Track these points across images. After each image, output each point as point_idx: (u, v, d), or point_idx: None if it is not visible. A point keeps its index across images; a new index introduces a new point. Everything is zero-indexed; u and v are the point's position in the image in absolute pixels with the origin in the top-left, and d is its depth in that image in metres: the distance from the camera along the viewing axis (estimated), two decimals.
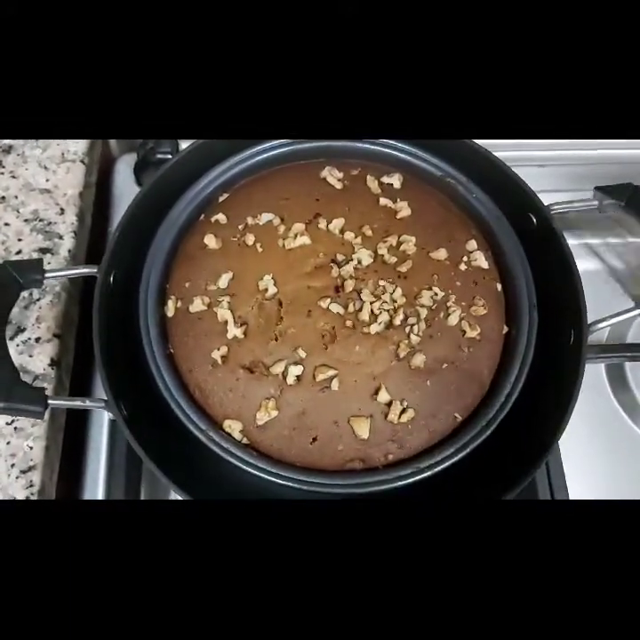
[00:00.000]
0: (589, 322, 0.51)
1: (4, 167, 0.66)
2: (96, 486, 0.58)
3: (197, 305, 0.51)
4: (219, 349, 0.49)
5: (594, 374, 0.70)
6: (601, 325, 0.52)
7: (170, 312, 0.52)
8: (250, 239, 0.53)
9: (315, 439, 0.48)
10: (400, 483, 0.47)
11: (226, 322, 0.50)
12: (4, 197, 0.64)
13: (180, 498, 0.57)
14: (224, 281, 0.51)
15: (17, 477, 0.52)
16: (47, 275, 0.52)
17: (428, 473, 0.47)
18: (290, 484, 0.47)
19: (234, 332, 0.49)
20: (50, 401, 0.46)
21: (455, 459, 0.48)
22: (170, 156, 0.60)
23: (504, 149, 0.67)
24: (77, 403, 0.49)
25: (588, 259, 0.72)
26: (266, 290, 0.50)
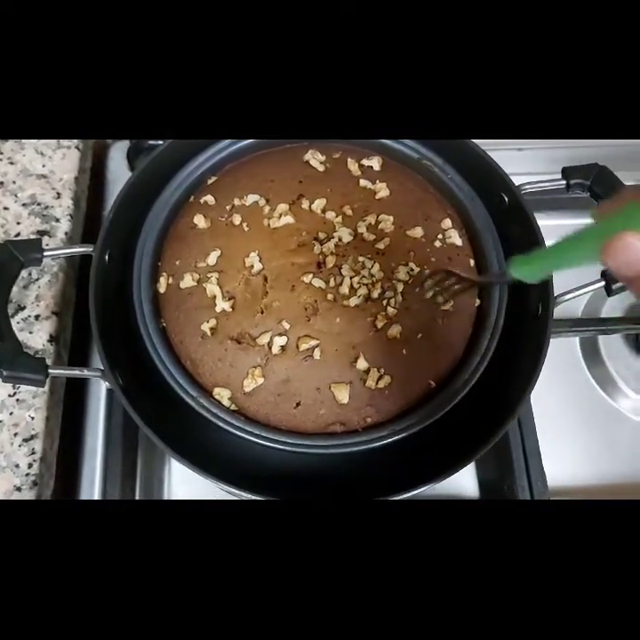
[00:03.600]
0: (556, 294, 0.54)
1: (2, 153, 0.68)
2: (94, 454, 0.61)
3: (188, 281, 0.54)
4: (208, 322, 0.52)
5: (568, 349, 0.73)
6: (567, 297, 0.55)
7: (162, 288, 0.55)
8: (237, 219, 0.56)
9: (298, 404, 0.51)
10: (377, 444, 0.50)
11: (214, 297, 0.53)
12: (2, 183, 0.67)
13: (173, 463, 0.61)
14: (213, 258, 0.54)
15: (20, 446, 0.55)
16: (46, 253, 0.54)
17: (404, 434, 0.50)
18: (275, 445, 0.50)
19: (222, 305, 0.52)
20: (50, 370, 0.49)
21: (429, 421, 0.51)
22: (160, 143, 0.62)
23: None
24: (76, 372, 0.52)
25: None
26: (252, 266, 0.53)
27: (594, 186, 0.57)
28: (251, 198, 0.57)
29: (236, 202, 0.57)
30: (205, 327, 0.52)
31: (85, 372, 0.51)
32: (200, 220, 0.56)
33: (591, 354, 0.72)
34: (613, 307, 0.72)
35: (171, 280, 0.55)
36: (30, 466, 0.55)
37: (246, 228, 0.55)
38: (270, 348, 0.51)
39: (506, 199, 0.59)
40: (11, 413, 0.56)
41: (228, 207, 0.57)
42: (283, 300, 0.52)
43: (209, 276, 0.53)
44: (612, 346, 0.71)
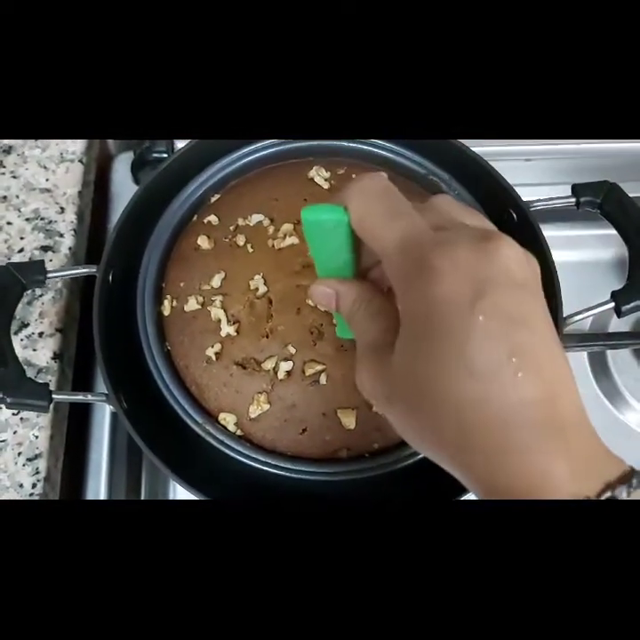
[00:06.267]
0: (566, 314, 0.54)
1: (4, 167, 0.68)
2: (99, 473, 0.61)
3: (192, 304, 0.53)
4: (213, 346, 0.51)
5: (577, 363, 0.72)
6: (576, 318, 0.54)
7: (166, 311, 0.54)
8: (241, 240, 0.55)
9: (304, 430, 0.50)
10: (384, 470, 0.50)
11: (219, 320, 0.52)
12: (5, 197, 0.66)
13: (178, 485, 0.60)
14: (217, 281, 0.53)
15: (24, 465, 0.55)
16: (49, 275, 0.54)
17: (411, 461, 0.50)
18: (281, 472, 0.50)
19: (227, 329, 0.52)
20: (54, 396, 0.49)
21: None
22: (165, 156, 0.62)
23: (491, 144, 0.69)
24: (80, 397, 0.52)
25: (570, 251, 0.74)
26: (257, 289, 0.52)
27: (604, 204, 0.56)
28: (255, 218, 0.56)
29: (240, 222, 0.56)
30: (210, 352, 0.51)
31: (89, 398, 0.51)
32: (204, 241, 0.55)
33: (599, 367, 0.71)
34: (621, 321, 0.71)
35: (175, 303, 0.54)
36: (34, 486, 0.54)
37: (250, 250, 0.54)
38: (276, 372, 0.50)
39: (514, 215, 0.58)
40: (14, 432, 0.56)
41: (231, 227, 0.56)
42: (288, 323, 0.51)
43: (213, 299, 0.53)
44: (620, 359, 0.71)
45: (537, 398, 0.27)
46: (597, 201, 0.57)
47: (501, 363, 0.27)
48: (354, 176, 0.59)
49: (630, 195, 0.58)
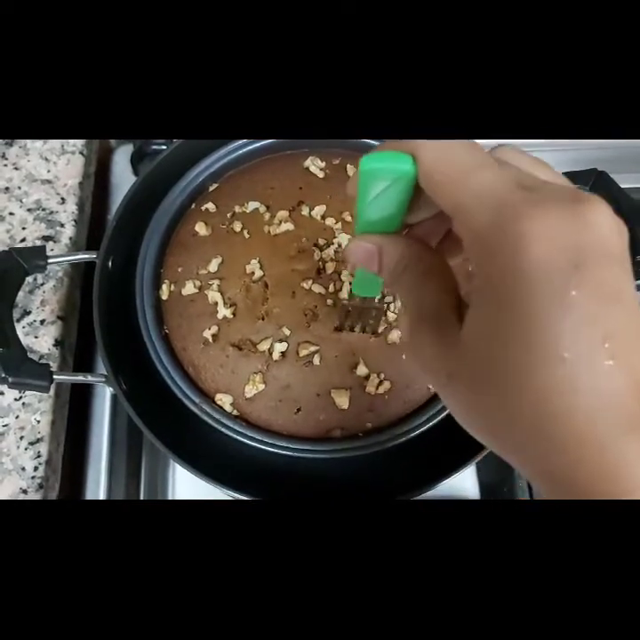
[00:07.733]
0: None
1: (6, 159, 0.69)
2: (100, 457, 0.62)
3: (189, 288, 0.54)
4: (210, 329, 0.53)
5: None
6: None
7: (164, 295, 0.56)
8: (237, 226, 0.56)
9: (299, 410, 0.51)
10: (377, 449, 0.51)
11: (216, 303, 0.53)
12: (7, 188, 0.67)
13: (177, 465, 0.61)
14: (214, 265, 0.55)
15: (26, 449, 0.56)
16: (50, 260, 0.55)
17: (404, 439, 0.51)
18: (276, 451, 0.50)
19: (223, 312, 0.53)
20: (55, 376, 0.50)
21: (428, 426, 0.51)
22: (164, 147, 0.63)
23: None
24: (80, 377, 0.53)
25: None
26: (253, 273, 0.54)
27: (593, 191, 0.57)
28: (251, 205, 0.57)
29: (237, 209, 0.57)
30: (207, 334, 0.52)
31: (89, 378, 0.52)
32: (201, 228, 0.57)
33: None
34: None
35: (173, 287, 0.55)
36: (36, 469, 0.56)
37: (247, 235, 0.56)
38: (271, 354, 0.51)
39: None
40: (17, 417, 0.57)
41: (228, 214, 0.57)
42: (283, 306, 0.52)
43: (210, 282, 0.54)
44: None
45: (629, 388, 0.25)
46: (586, 188, 0.58)
47: (594, 347, 0.24)
48: (349, 166, 0.60)
49: (625, 185, 0.59)
